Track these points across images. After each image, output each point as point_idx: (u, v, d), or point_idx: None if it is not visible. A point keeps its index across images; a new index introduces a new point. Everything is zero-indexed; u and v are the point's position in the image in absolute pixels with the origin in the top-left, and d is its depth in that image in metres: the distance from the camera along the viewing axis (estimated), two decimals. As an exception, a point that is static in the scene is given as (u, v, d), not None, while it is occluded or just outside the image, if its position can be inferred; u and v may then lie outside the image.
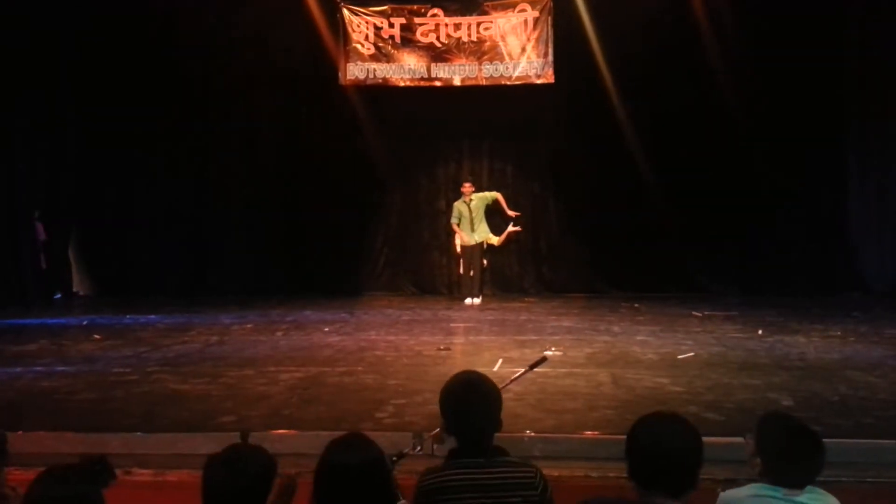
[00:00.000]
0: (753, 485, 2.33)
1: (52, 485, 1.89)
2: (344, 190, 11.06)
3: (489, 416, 2.25)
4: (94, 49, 10.89)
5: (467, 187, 10.41)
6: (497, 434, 2.31)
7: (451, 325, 8.59)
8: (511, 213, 10.60)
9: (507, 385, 3.66)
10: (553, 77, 10.36)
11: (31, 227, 10.66)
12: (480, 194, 10.50)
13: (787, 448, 2.24)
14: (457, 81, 10.60)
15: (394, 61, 10.63)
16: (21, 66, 10.16)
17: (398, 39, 10.60)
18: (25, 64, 10.20)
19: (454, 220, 10.43)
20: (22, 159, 10.41)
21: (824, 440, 2.34)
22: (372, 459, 2.04)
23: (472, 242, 10.32)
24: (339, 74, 10.67)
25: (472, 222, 10.29)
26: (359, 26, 10.63)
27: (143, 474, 4.09)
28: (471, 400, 2.26)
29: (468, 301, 10.21)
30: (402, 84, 10.69)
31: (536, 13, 10.36)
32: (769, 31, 10.15)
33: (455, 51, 10.55)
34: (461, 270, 10.58)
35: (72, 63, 10.82)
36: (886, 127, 10.28)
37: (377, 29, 10.61)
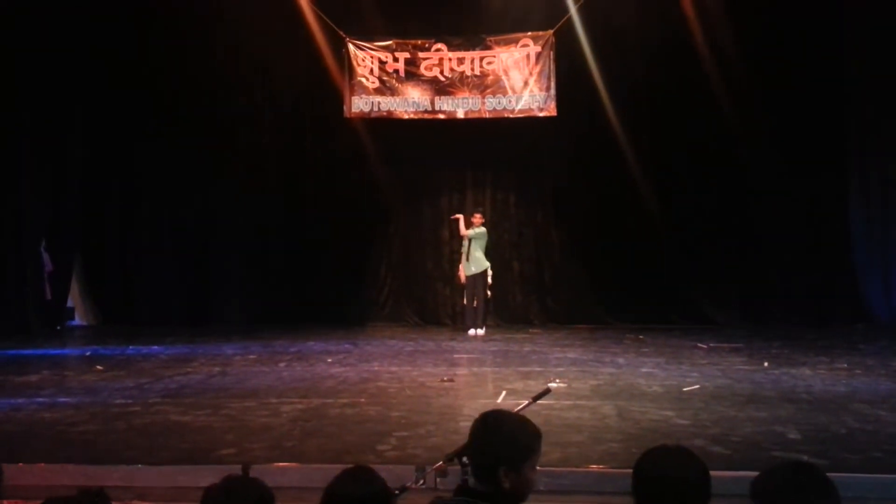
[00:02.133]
0: None
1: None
2: (348, 220, 11.12)
3: (503, 457, 2.16)
4: (99, 78, 11.03)
5: (477, 218, 10.38)
6: None
7: (455, 356, 8.55)
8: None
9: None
10: (555, 110, 10.47)
11: (38, 257, 10.70)
12: (484, 232, 10.41)
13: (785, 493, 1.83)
14: (460, 114, 10.72)
15: (398, 94, 10.77)
16: (27, 94, 10.30)
17: (402, 73, 10.74)
18: (31, 92, 10.34)
19: (464, 249, 10.37)
20: (27, 189, 10.49)
21: (832, 474, 2.29)
22: (375, 493, 2.04)
23: (468, 273, 10.28)
24: (344, 107, 10.80)
25: (469, 253, 10.26)
26: (364, 60, 10.79)
27: (143, 507, 4.05)
28: (489, 437, 2.20)
29: (471, 332, 10.17)
30: (406, 117, 10.81)
31: (539, 48, 10.51)
32: (771, 58, 10.27)
33: (458, 84, 10.69)
34: (464, 301, 10.56)
35: (78, 91, 10.95)
36: (889, 157, 10.31)
37: (382, 63, 10.77)
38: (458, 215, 10.55)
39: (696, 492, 1.89)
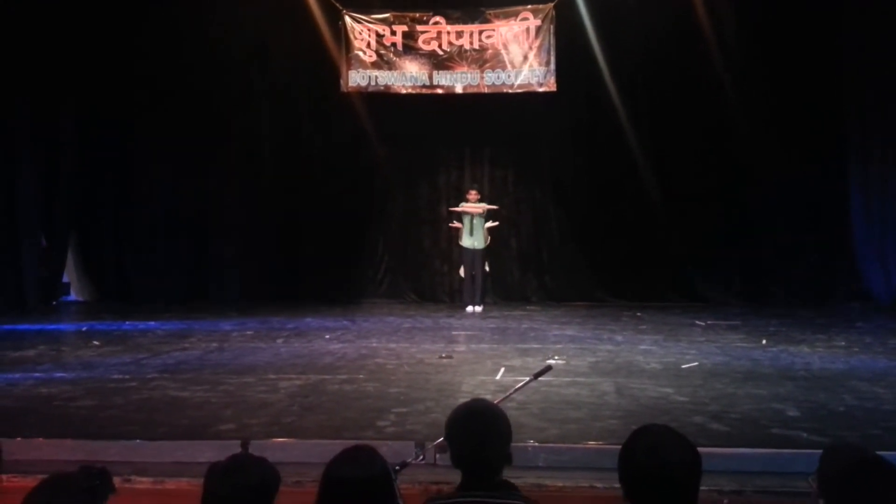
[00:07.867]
0: None
1: (49, 499, 1.85)
2: (345, 196, 11.04)
3: (500, 449, 2.15)
4: (94, 55, 10.87)
5: (472, 195, 10.35)
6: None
7: (453, 332, 8.55)
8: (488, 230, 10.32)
9: (510, 394, 3.63)
10: (555, 85, 10.36)
11: (34, 234, 10.63)
12: (486, 206, 10.37)
13: (851, 486, 1.85)
14: (458, 89, 10.60)
15: (395, 69, 10.63)
16: (20, 71, 10.15)
17: (400, 47, 10.61)
18: (25, 69, 10.18)
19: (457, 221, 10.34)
20: (23, 165, 10.38)
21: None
22: (374, 475, 1.99)
23: (470, 247, 10.24)
24: (341, 82, 10.68)
25: (472, 228, 10.25)
26: (361, 34, 10.64)
27: (142, 482, 4.04)
28: (482, 433, 2.14)
29: (469, 309, 10.16)
30: (403, 91, 10.69)
31: (538, 22, 10.37)
32: (771, 38, 10.16)
33: (457, 58, 10.56)
34: (463, 277, 10.54)
35: (72, 69, 10.79)
36: (888, 137, 10.24)
37: (379, 36, 10.62)
38: (456, 224, 10.34)
39: (687, 475, 1.81)
